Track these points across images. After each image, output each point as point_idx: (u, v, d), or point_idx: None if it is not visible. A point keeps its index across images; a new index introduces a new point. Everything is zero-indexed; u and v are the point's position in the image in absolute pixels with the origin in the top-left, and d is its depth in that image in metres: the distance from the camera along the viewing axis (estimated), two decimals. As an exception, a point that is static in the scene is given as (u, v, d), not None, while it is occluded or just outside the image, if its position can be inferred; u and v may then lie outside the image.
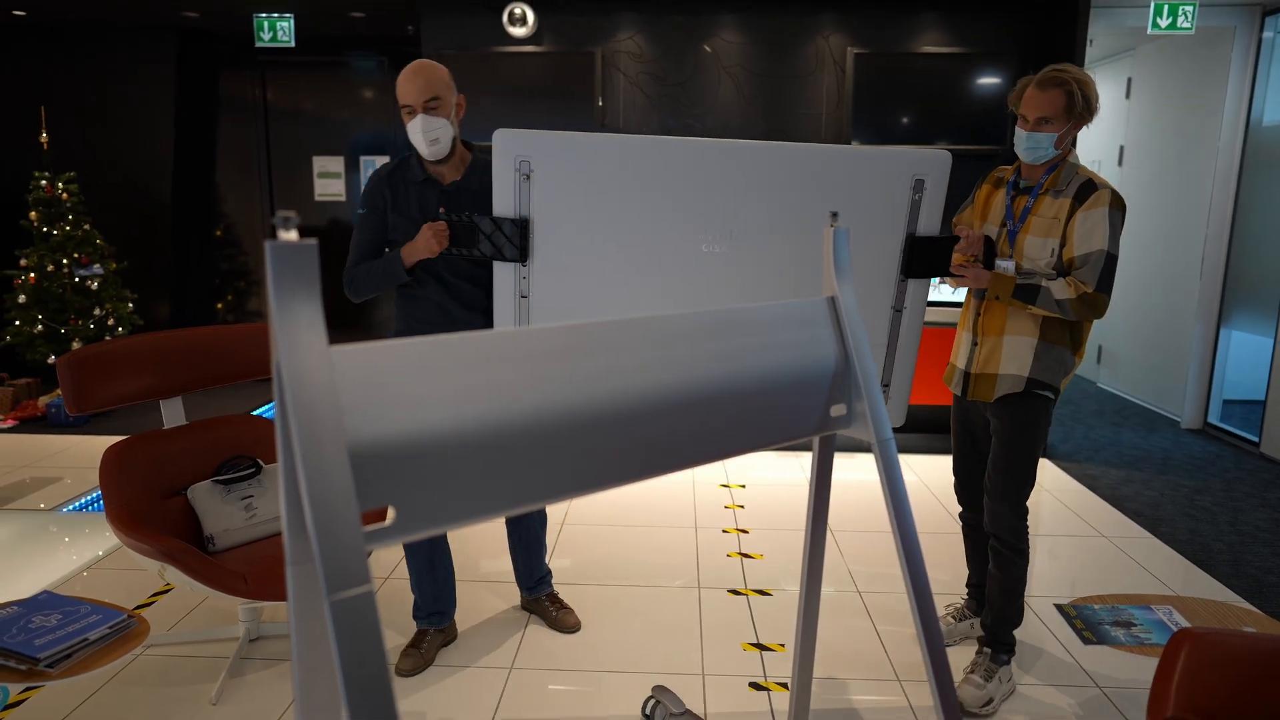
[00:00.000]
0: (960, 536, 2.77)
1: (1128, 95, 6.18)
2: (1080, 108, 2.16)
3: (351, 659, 0.91)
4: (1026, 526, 2.34)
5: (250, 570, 2.18)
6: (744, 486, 4.09)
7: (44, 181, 5.18)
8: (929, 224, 2.10)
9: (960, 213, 2.55)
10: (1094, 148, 6.60)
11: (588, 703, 2.32)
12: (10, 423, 4.96)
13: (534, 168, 1.97)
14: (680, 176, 1.99)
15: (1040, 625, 2.78)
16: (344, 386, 0.99)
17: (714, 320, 1.37)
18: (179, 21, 5.78)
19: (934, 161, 2.07)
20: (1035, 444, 2.30)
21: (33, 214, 5.13)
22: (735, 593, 2.97)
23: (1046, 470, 4.46)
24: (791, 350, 1.46)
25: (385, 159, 6.11)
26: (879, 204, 2.06)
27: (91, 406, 2.27)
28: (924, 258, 2.14)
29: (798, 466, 4.35)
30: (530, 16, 4.90)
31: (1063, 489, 4.19)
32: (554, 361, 1.18)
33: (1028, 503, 2.33)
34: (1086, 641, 2.69)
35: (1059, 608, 2.91)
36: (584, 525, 3.59)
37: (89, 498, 3.82)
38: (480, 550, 3.31)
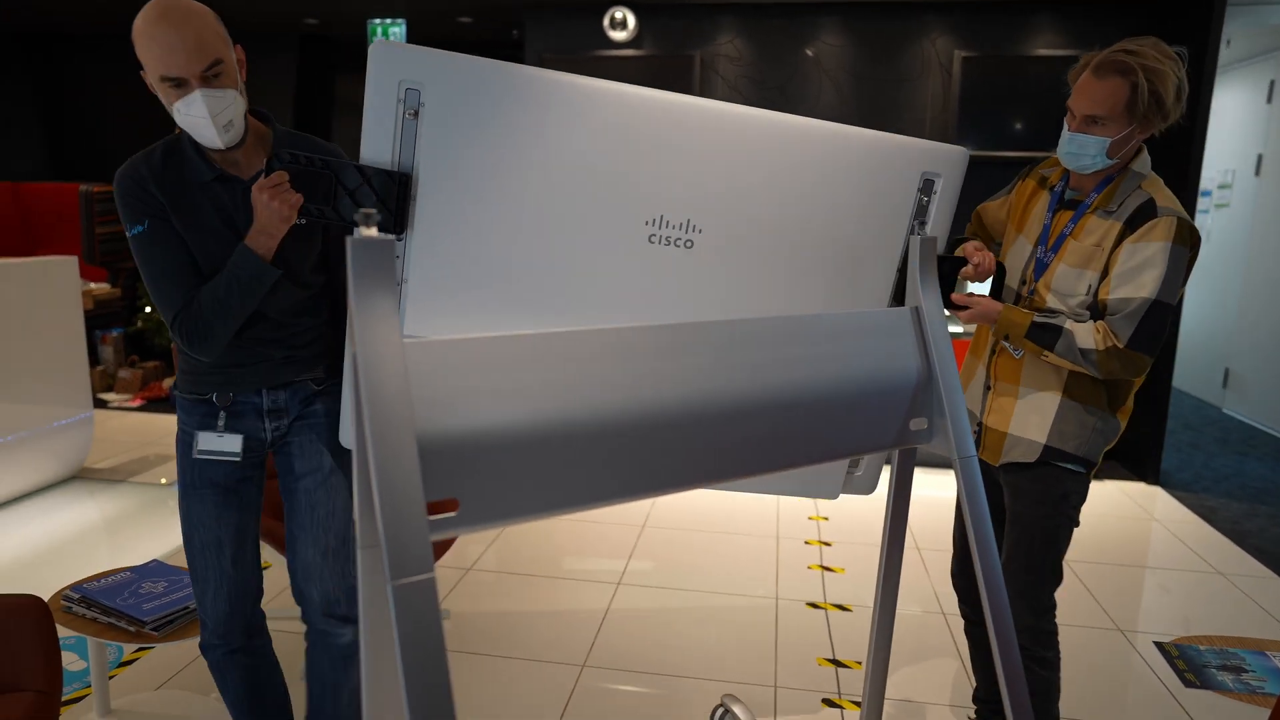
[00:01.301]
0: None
1: (1269, 99, 5.75)
2: (1146, 106, 1.61)
3: (411, 643, 0.93)
4: (1053, 629, 1.86)
5: (338, 552, 2.27)
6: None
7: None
8: (937, 233, 1.66)
9: (989, 201, 1.99)
10: (1227, 156, 6.17)
11: (656, 706, 2.31)
12: (138, 402, 5.34)
13: (425, 101, 1.37)
14: (631, 139, 1.45)
15: (1138, 662, 2.62)
16: (416, 378, 1.02)
17: (793, 326, 1.35)
18: (300, 27, 6.10)
19: (948, 158, 1.58)
20: (1057, 530, 1.80)
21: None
22: (814, 606, 2.92)
23: (1159, 500, 4.19)
24: (872, 360, 1.43)
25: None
26: (875, 205, 1.59)
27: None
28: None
29: (886, 480, 4.23)
30: (631, 20, 4.94)
31: (1176, 520, 3.93)
32: (627, 361, 1.19)
33: (1055, 592, 1.87)
34: (1188, 684, 2.52)
35: (1159, 646, 2.73)
36: (665, 528, 3.59)
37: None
38: (562, 548, 3.36)
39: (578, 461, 1.14)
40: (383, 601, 1.06)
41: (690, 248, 1.49)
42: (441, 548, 2.53)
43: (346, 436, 1.42)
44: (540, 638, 2.65)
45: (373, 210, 1.01)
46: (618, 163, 1.45)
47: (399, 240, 1.42)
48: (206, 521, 1.70)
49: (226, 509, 1.71)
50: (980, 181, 1.89)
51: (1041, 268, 1.77)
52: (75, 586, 2.12)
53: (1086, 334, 1.65)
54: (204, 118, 1.47)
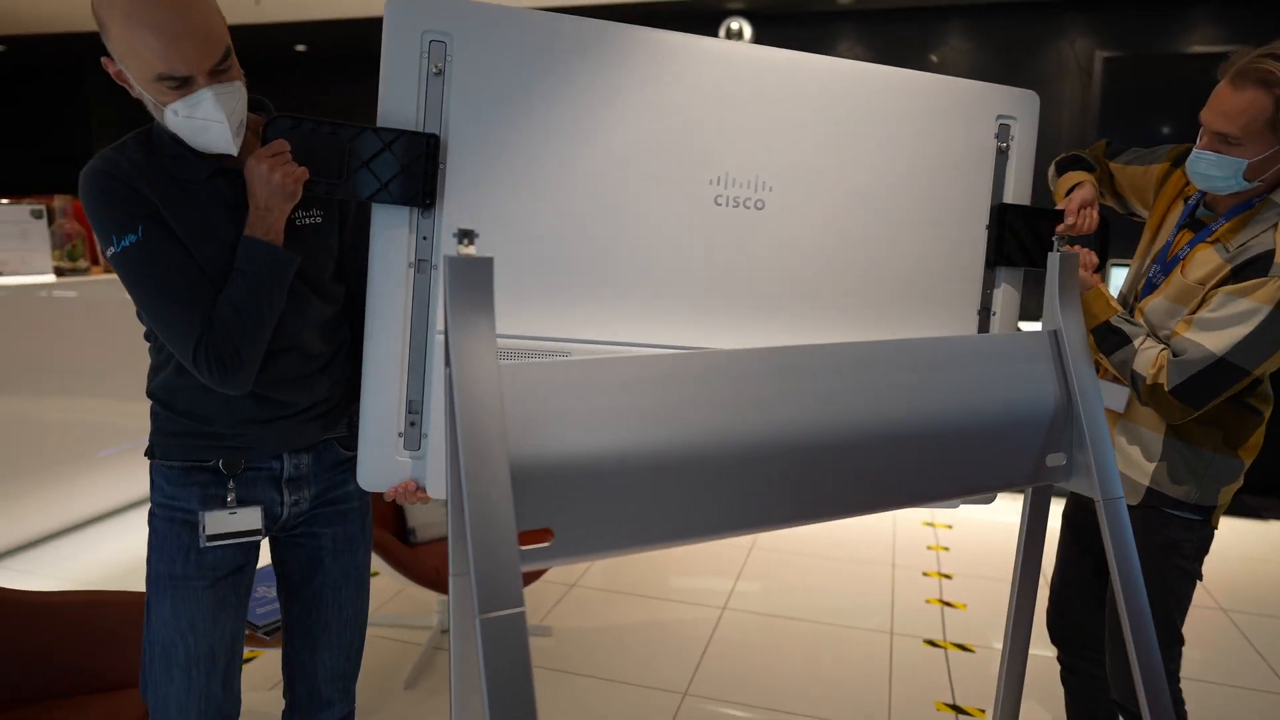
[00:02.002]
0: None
1: None
2: None
3: (498, 680, 0.89)
4: (1177, 698, 1.64)
5: (445, 565, 2.29)
6: (950, 527, 3.79)
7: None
8: (1019, 187, 1.51)
9: (1128, 160, 1.78)
10: None
11: (761, 741, 2.21)
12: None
13: (452, 54, 1.21)
14: (690, 91, 1.29)
15: (1314, 731, 2.32)
16: (511, 402, 0.99)
17: (914, 350, 1.25)
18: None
19: (1021, 100, 1.46)
20: (1166, 583, 1.57)
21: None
22: (932, 644, 2.74)
23: (1331, 542, 3.75)
24: (1004, 388, 1.30)
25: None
26: (953, 152, 1.44)
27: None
28: (1017, 237, 1.50)
29: (1015, 509, 3.97)
30: (748, 31, 4.88)
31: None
32: (733, 386, 1.12)
33: (1174, 655, 1.63)
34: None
35: (1341, 713, 2.41)
36: (774, 551, 3.47)
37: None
38: (668, 566, 3.30)
39: (680, 492, 1.08)
40: (472, 632, 1.02)
41: (761, 209, 1.33)
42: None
43: (370, 479, 1.27)
44: (642, 661, 2.59)
45: (470, 229, 0.98)
46: (676, 118, 1.29)
47: (425, 216, 1.25)
48: (200, 627, 1.31)
49: (224, 607, 1.35)
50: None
51: (1149, 289, 1.60)
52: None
53: (1146, 360, 1.50)
54: (219, 121, 1.17)
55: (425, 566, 2.25)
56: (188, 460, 1.33)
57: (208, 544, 1.32)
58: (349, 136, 1.21)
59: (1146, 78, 4.44)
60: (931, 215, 1.42)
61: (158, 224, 1.20)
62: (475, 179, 1.24)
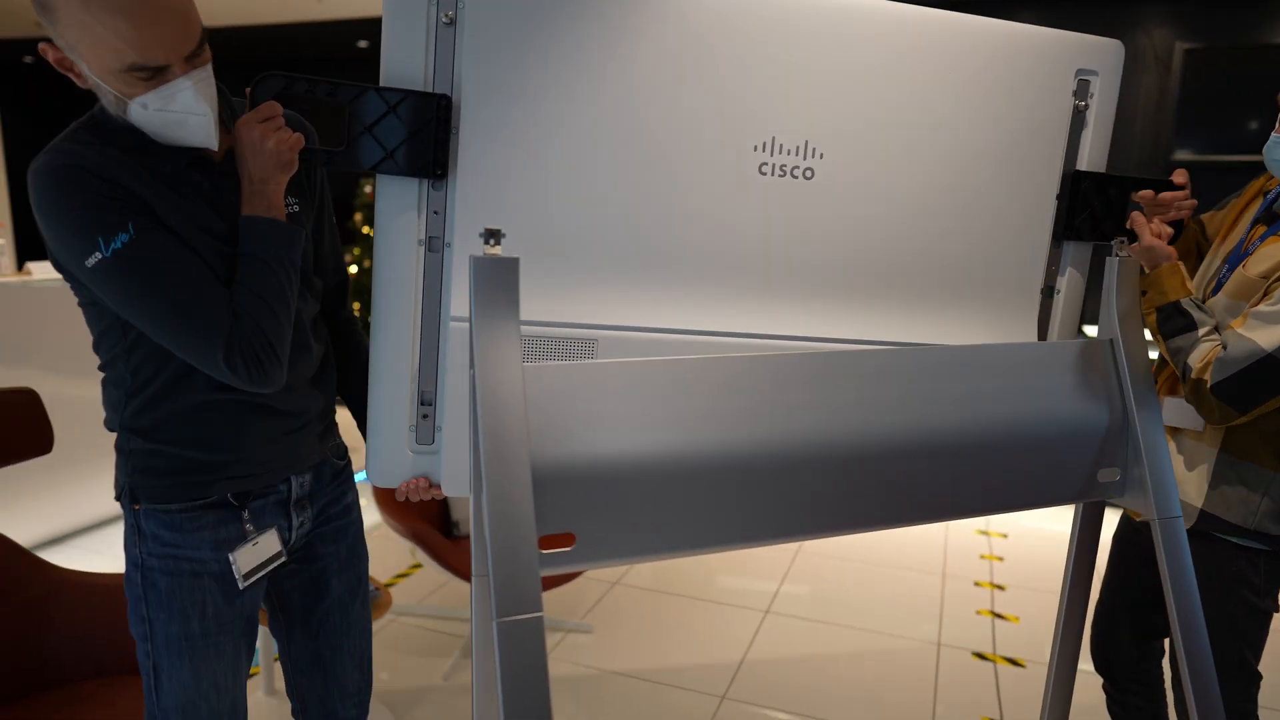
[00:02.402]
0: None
1: None
2: None
3: (514, 684, 0.89)
4: None
5: (485, 559, 2.30)
6: (1005, 536, 3.68)
7: (367, 188, 5.97)
8: (1094, 153, 1.32)
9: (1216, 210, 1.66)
10: None
11: (799, 749, 2.18)
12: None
13: (467, 2, 1.06)
14: (732, 46, 1.13)
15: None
16: (535, 405, 0.98)
17: (959, 357, 1.20)
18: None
19: (1104, 51, 1.27)
20: (1234, 619, 1.44)
21: (357, 215, 5.94)
22: (981, 657, 2.66)
23: None
24: (1054, 399, 1.25)
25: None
26: (1024, 112, 1.26)
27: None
28: (1089, 207, 1.32)
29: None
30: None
31: None
32: (763, 392, 1.09)
33: (1251, 695, 1.50)
34: None
35: None
36: (821, 555, 3.42)
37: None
38: (711, 564, 3.27)
39: (706, 499, 1.06)
40: (491, 634, 1.02)
41: (810, 178, 1.18)
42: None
43: (380, 474, 1.19)
44: (681, 661, 2.57)
45: (497, 228, 0.97)
46: (719, 74, 1.13)
47: (436, 188, 1.11)
48: (224, 683, 1.19)
49: (243, 654, 1.23)
50: (1205, 194, 1.58)
51: (1217, 288, 1.48)
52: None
53: (1200, 352, 1.36)
54: (201, 114, 1.02)
55: (467, 560, 2.27)
56: (192, 500, 1.15)
57: (245, 584, 1.19)
58: (349, 98, 1.07)
59: (1228, 70, 4.22)
60: (997, 183, 1.26)
61: (149, 218, 1.02)
62: (492, 146, 1.09)
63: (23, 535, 2.14)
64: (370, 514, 3.66)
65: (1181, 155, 4.27)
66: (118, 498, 1.20)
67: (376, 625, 2.64)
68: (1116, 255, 1.29)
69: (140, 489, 1.16)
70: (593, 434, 1.00)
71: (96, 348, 1.16)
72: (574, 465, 0.99)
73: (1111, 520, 1.54)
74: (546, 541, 0.99)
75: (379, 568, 3.14)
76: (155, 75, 0.99)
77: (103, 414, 1.20)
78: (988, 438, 1.20)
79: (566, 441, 0.99)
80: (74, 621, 1.71)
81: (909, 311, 1.26)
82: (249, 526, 1.20)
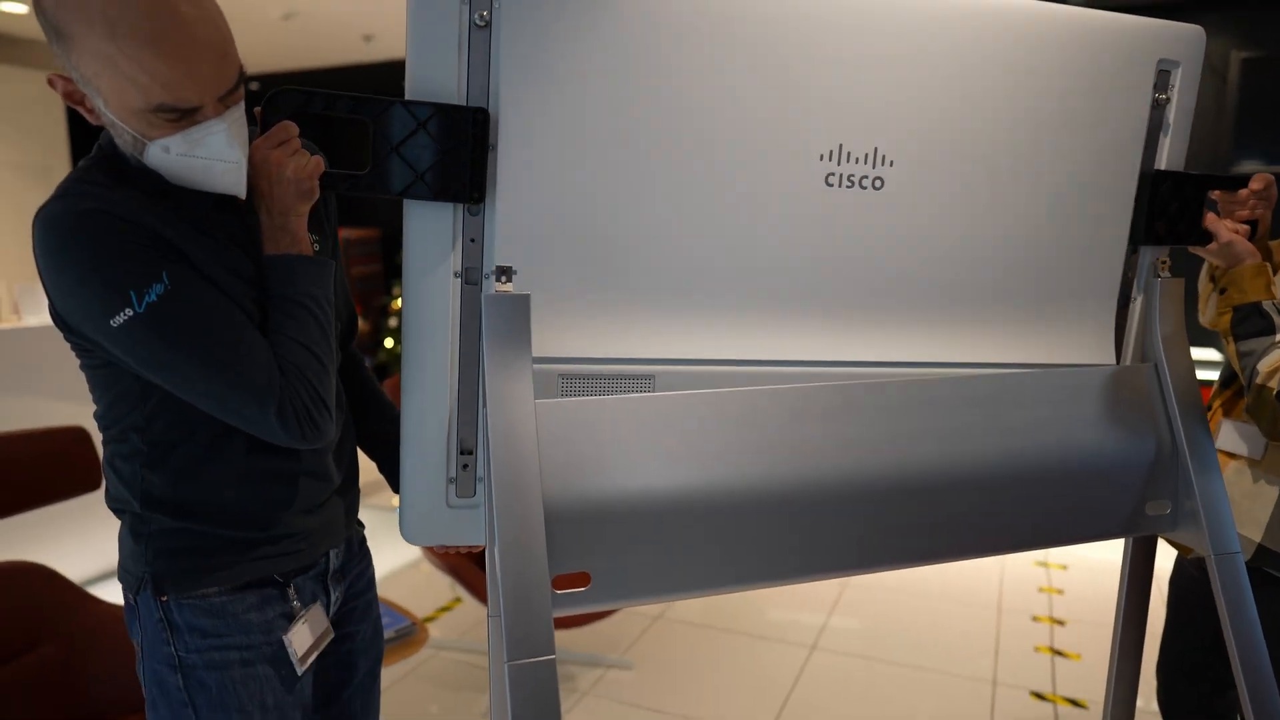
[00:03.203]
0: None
1: None
2: None
3: (526, 731, 0.87)
4: None
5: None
6: (1065, 568, 3.53)
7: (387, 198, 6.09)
8: (1175, 150, 1.22)
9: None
10: None
11: (845, 792, 2.10)
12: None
13: (501, 2, 0.94)
14: (795, 46, 1.04)
15: None
16: (547, 442, 0.96)
17: (992, 385, 1.16)
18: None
19: (1186, 39, 1.18)
20: None
21: (407, 252, 6.07)
22: (1040, 697, 2.54)
23: None
24: (1095, 428, 1.19)
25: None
26: (1101, 108, 1.17)
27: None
28: (1168, 210, 1.22)
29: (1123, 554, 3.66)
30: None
31: None
32: (785, 425, 1.06)
33: None
34: None
35: None
36: (870, 587, 3.32)
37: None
38: (767, 597, 3.20)
39: (725, 537, 1.03)
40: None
41: (880, 188, 1.10)
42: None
43: (416, 533, 1.07)
44: (723, 699, 2.51)
45: (509, 265, 0.97)
46: (783, 78, 1.04)
47: (473, 213, 1.00)
48: None
49: None
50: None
51: None
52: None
53: (1273, 358, 1.23)
54: (232, 161, 0.92)
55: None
56: (236, 583, 1.03)
57: (303, 668, 1.08)
58: (373, 114, 0.95)
59: (1289, 80, 4.08)
60: (1075, 185, 1.18)
61: (184, 265, 0.92)
62: (535, 164, 0.99)
63: (73, 570, 2.20)
64: (410, 547, 3.69)
65: (1241, 167, 4.12)
66: (131, 591, 1.03)
67: (415, 660, 2.64)
68: (1158, 277, 1.23)
69: (168, 578, 1.01)
70: (607, 470, 0.99)
71: (103, 417, 1.01)
72: (588, 503, 0.98)
73: (1167, 554, 1.46)
74: (561, 581, 0.97)
75: (419, 602, 3.15)
76: (184, 116, 0.89)
77: None
78: (1026, 470, 1.15)
79: (580, 478, 0.97)
80: (118, 656, 1.74)
81: (982, 328, 1.18)
82: (295, 603, 1.07)
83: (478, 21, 0.94)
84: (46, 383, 3.10)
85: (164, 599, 1.01)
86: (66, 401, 3.07)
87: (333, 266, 1.05)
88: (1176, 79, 1.19)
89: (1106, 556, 3.62)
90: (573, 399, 0.99)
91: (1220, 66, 4.24)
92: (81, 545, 3.11)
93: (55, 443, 1.85)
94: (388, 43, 5.63)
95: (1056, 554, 3.68)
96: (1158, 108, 1.20)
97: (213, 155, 0.91)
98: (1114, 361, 1.25)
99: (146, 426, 0.98)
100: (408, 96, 0.96)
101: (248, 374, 0.92)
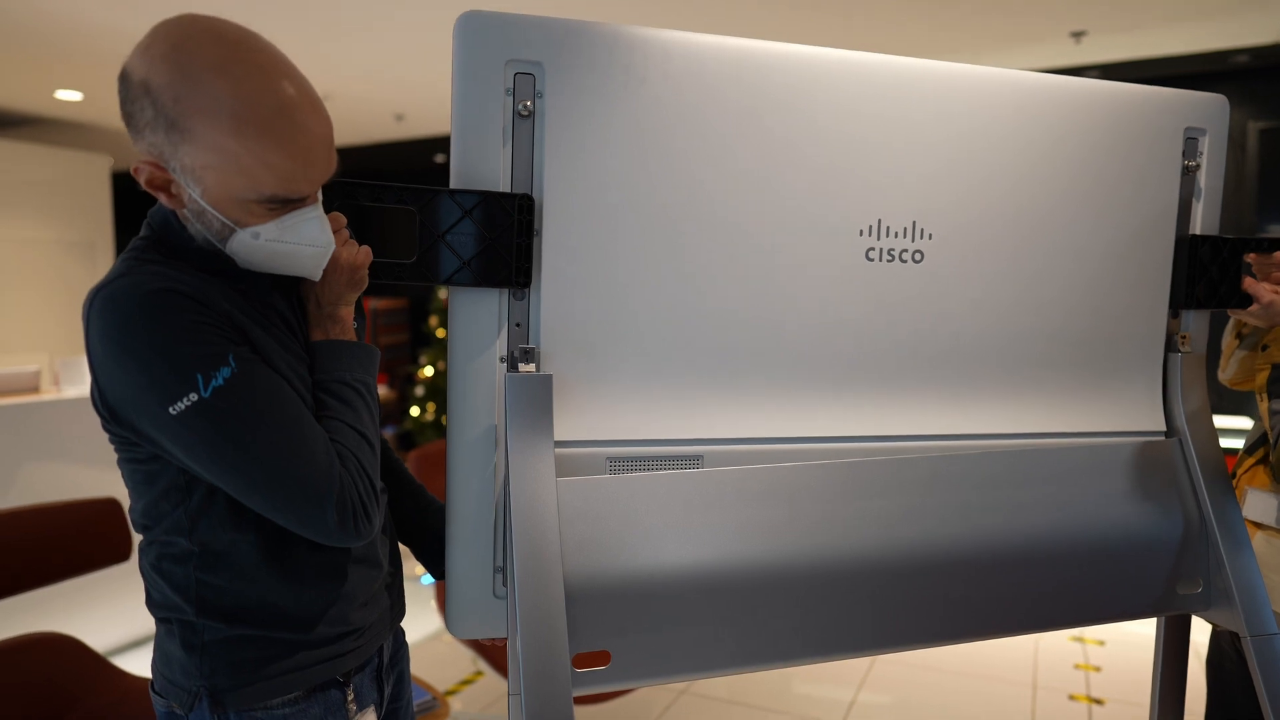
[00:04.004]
0: None
1: None
2: None
3: (545, 817, 0.86)
4: None
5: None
6: (1103, 644, 3.42)
7: (441, 293, 6.20)
8: (1208, 215, 1.25)
9: None
10: None
11: None
12: (403, 496, 5.87)
13: (545, 89, 0.98)
14: (835, 121, 1.06)
15: None
16: (569, 520, 0.98)
17: (1014, 460, 1.16)
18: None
19: (1210, 107, 1.22)
20: None
21: (433, 319, 6.16)
22: (1079, 779, 2.44)
23: None
24: (1119, 504, 1.18)
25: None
26: (1136, 177, 1.19)
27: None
28: (1207, 273, 1.23)
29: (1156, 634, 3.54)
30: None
31: None
32: (805, 503, 1.07)
33: None
34: None
35: None
36: (899, 662, 3.23)
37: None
38: (797, 673, 3.13)
39: (746, 616, 1.02)
40: (528, 756, 0.98)
41: (920, 261, 1.11)
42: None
43: (463, 625, 1.05)
44: (750, 779, 2.43)
45: (532, 348, 1.00)
46: (824, 156, 1.06)
47: (519, 298, 1.01)
48: None
49: None
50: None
51: None
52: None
53: None
54: (322, 245, 0.92)
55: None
56: (303, 688, 0.97)
57: None
58: (419, 203, 0.98)
59: (1309, 148, 4.10)
60: (1111, 253, 1.20)
61: (246, 347, 0.90)
62: (580, 248, 1.00)
63: (97, 640, 2.21)
64: (432, 618, 3.66)
65: (1266, 233, 4.12)
66: (183, 708, 0.95)
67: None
68: (1178, 351, 1.24)
69: (230, 691, 0.94)
70: (629, 548, 0.99)
71: (144, 515, 0.95)
72: (609, 581, 0.98)
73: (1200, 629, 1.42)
74: (581, 660, 0.97)
75: (441, 674, 3.11)
76: (285, 205, 0.89)
77: None
78: (1053, 547, 1.14)
79: (602, 556, 0.98)
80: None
81: (1029, 398, 1.19)
82: (353, 706, 1.02)
83: (521, 111, 0.98)
84: (82, 452, 3.17)
85: (223, 714, 0.94)
86: (102, 470, 3.13)
87: (379, 355, 1.03)
88: (1204, 145, 1.22)
89: (1145, 631, 3.50)
90: (593, 477, 1.01)
91: (1239, 137, 4.27)
92: (107, 614, 3.12)
93: (87, 514, 1.88)
94: (417, 121, 5.84)
95: (1093, 629, 3.57)
96: (1188, 174, 1.22)
97: (303, 240, 0.91)
98: (1164, 427, 1.25)
99: (192, 527, 0.92)
100: (453, 185, 0.98)
101: (308, 467, 0.88)
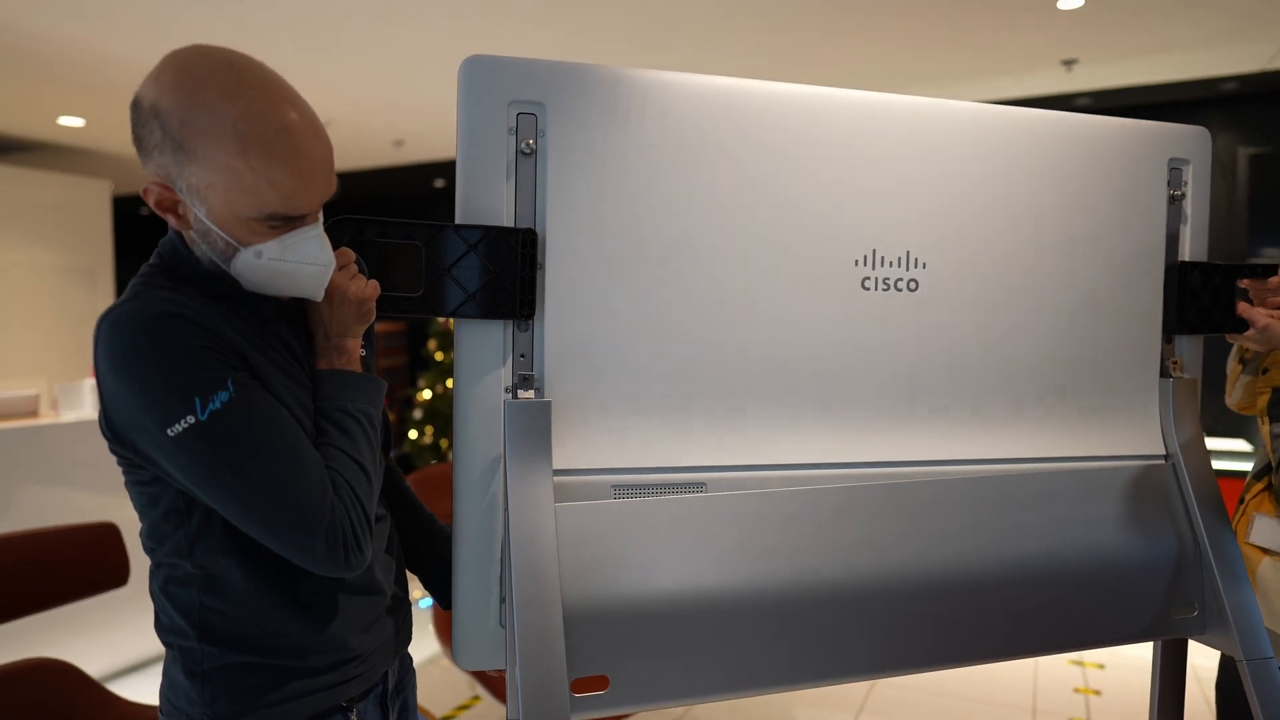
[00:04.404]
0: None
1: None
2: None
3: (543, 843, 0.86)
4: None
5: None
6: (1103, 667, 3.41)
7: (440, 318, 6.22)
8: (1197, 242, 1.29)
9: None
10: None
11: None
12: (400, 520, 5.84)
13: (546, 128, 1.02)
14: (829, 155, 1.11)
15: None
16: (568, 544, 0.98)
17: (1001, 485, 1.17)
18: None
19: (1192, 139, 1.27)
20: None
21: (431, 343, 6.18)
22: (1080, 806, 2.43)
23: None
24: (1113, 529, 1.19)
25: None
26: (1122, 205, 1.23)
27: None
28: (1199, 299, 1.27)
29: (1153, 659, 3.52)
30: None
31: None
32: (804, 526, 1.08)
33: None
34: None
35: None
36: (898, 686, 3.22)
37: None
38: (797, 697, 3.11)
39: (744, 639, 1.03)
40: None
41: (914, 290, 1.15)
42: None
43: (469, 656, 1.05)
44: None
45: (530, 373, 1.01)
46: (818, 188, 1.10)
47: (523, 329, 1.03)
48: None
49: None
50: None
51: None
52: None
53: None
54: (322, 264, 0.93)
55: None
56: (307, 715, 0.98)
57: None
58: (425, 238, 1.01)
59: (1299, 173, 4.15)
60: (1102, 281, 1.23)
61: (247, 373, 0.90)
62: (582, 281, 1.03)
63: (92, 665, 2.20)
64: (429, 643, 3.64)
65: (1257, 258, 4.15)
66: None
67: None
68: (1170, 376, 1.25)
69: (231, 718, 0.94)
70: (627, 572, 1.00)
71: (149, 537, 0.96)
72: (608, 605, 0.99)
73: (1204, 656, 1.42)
74: (580, 684, 0.97)
75: (438, 699, 3.09)
76: (287, 224, 0.91)
77: None
78: (1047, 570, 1.15)
79: (600, 581, 0.99)
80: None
81: (1023, 423, 1.21)
82: None
83: (524, 149, 1.01)
84: (81, 477, 3.17)
85: None
86: (100, 495, 3.13)
87: (385, 388, 1.04)
88: (1189, 175, 1.27)
89: (1145, 655, 3.49)
90: (592, 502, 1.01)
91: (1229, 163, 4.32)
92: (103, 640, 3.10)
93: (85, 538, 1.88)
94: (416, 147, 5.90)
95: (1092, 653, 3.55)
96: (1175, 203, 1.26)
97: (303, 259, 0.92)
98: (1164, 450, 1.27)
99: (190, 550, 0.93)
100: (458, 220, 1.01)
101: (301, 493, 0.88)
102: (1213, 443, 1.27)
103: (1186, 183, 1.26)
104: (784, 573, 1.06)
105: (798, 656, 1.06)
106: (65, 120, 5.20)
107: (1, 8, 3.43)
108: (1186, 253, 1.27)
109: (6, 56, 4.00)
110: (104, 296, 6.04)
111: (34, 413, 3.36)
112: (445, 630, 2.36)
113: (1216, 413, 1.33)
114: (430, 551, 1.19)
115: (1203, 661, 1.44)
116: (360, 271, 1.00)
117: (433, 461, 6.03)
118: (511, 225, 1.02)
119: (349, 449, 0.95)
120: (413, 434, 6.19)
